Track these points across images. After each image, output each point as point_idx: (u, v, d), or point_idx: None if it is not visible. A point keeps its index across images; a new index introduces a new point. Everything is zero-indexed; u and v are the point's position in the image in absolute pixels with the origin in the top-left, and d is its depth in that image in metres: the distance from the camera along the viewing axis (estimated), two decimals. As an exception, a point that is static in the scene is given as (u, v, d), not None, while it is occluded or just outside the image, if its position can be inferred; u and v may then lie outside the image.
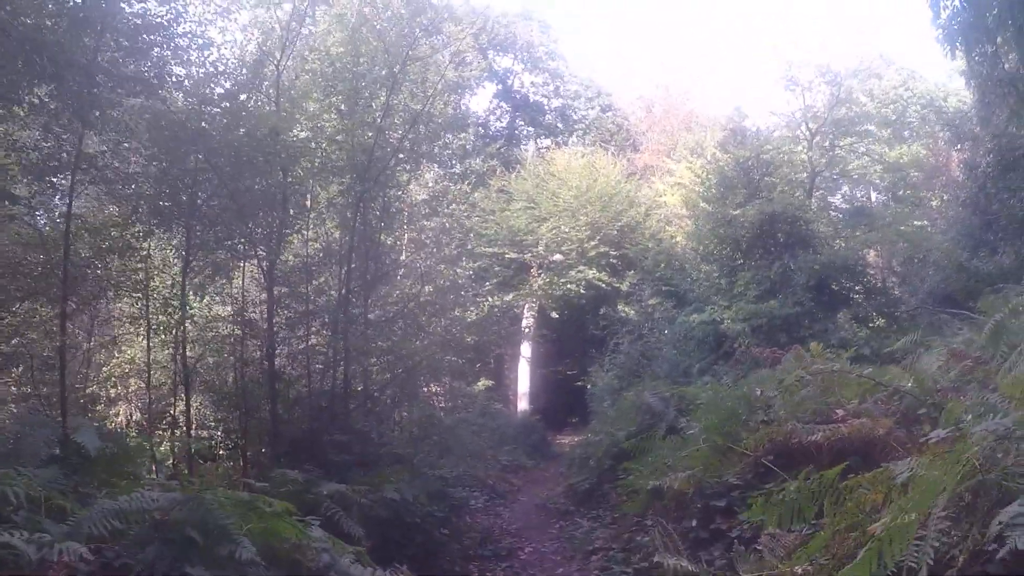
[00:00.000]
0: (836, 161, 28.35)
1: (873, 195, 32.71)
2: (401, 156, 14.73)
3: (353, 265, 14.09)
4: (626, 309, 27.62)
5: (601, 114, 40.48)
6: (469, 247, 26.21)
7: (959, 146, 29.78)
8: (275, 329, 12.84)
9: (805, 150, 27.22)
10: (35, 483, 4.90)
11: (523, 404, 28.52)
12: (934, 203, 31.10)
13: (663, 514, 8.52)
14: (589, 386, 26.39)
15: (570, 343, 31.63)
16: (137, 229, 12.06)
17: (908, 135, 33.45)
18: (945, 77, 33.03)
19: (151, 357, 14.11)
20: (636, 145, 39.31)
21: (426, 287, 17.69)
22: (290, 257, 14.27)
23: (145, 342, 13.87)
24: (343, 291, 13.65)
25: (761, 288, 23.95)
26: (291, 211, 12.76)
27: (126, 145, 11.52)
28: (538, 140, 40.27)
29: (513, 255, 28.21)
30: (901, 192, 31.09)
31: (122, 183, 11.59)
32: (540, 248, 28.39)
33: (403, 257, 18.94)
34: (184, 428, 13.40)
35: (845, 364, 9.94)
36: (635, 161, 36.78)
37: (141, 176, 11.74)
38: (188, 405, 13.25)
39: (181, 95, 11.69)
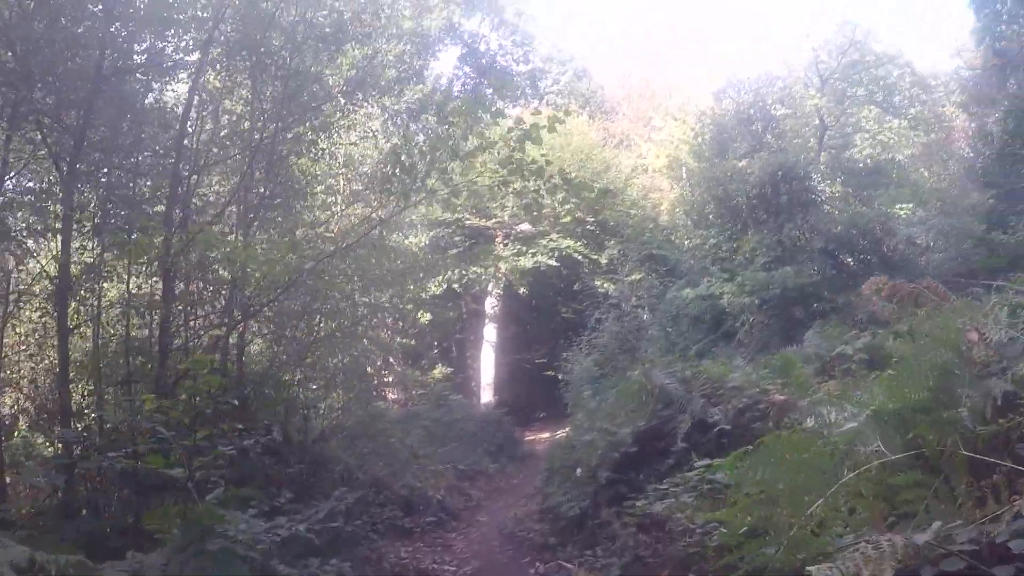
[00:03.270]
0: (848, 114, 23.63)
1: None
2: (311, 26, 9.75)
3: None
4: (606, 285, 22.85)
5: (575, 80, 35.58)
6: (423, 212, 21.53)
7: (973, 110, 25.65)
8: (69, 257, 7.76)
9: (816, 95, 22.45)
10: None
11: (486, 395, 23.54)
12: (929, 182, 26.70)
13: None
14: (561, 375, 21.61)
15: (539, 328, 26.97)
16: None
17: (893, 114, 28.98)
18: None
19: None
20: (612, 114, 34.51)
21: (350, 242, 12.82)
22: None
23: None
24: (172, 189, 8.54)
25: (771, 254, 19.32)
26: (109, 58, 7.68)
27: None
28: (505, 105, 35.16)
29: (475, 222, 23.27)
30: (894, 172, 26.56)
31: None
32: (506, 215, 23.48)
33: (336, 202, 14.01)
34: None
35: None
36: (611, 130, 31.99)
37: None
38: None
39: None
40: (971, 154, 26.22)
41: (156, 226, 7.63)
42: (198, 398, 6.40)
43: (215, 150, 9.36)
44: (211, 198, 9.23)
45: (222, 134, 9.43)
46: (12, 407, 11.28)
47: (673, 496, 6.66)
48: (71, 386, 8.00)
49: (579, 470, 9.54)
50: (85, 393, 8.33)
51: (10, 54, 7.55)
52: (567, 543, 8.71)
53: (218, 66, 9.21)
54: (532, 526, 10.04)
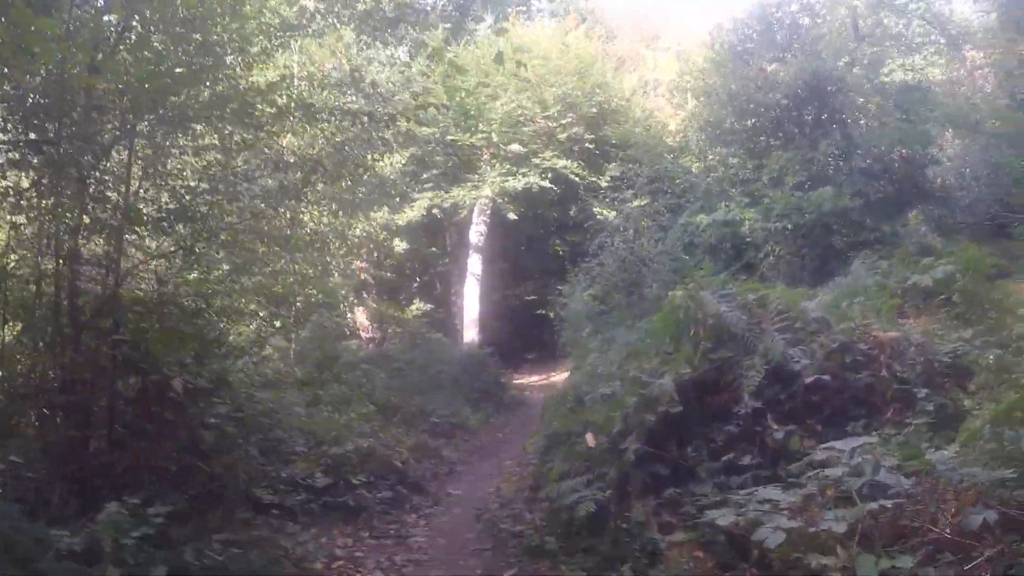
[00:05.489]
0: (884, 30, 20.08)
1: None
2: None
3: None
4: (604, 211, 19.62)
5: (570, -6, 31.77)
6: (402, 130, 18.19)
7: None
8: None
9: None
10: None
11: (471, 334, 20.30)
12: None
13: None
14: (555, 313, 18.48)
15: (530, 263, 23.92)
16: None
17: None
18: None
19: None
20: (612, 38, 30.82)
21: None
22: None
23: None
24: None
25: (804, 175, 16.06)
26: None
27: None
28: (494, 19, 31.44)
29: (459, 139, 19.84)
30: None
31: None
32: (493, 134, 20.03)
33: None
34: None
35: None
36: (610, 52, 28.35)
37: None
38: None
39: None
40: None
41: None
42: None
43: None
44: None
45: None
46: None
47: (788, 508, 3.49)
48: None
49: (590, 437, 6.37)
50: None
51: None
52: (575, 550, 5.57)
53: None
54: (522, 513, 6.92)
